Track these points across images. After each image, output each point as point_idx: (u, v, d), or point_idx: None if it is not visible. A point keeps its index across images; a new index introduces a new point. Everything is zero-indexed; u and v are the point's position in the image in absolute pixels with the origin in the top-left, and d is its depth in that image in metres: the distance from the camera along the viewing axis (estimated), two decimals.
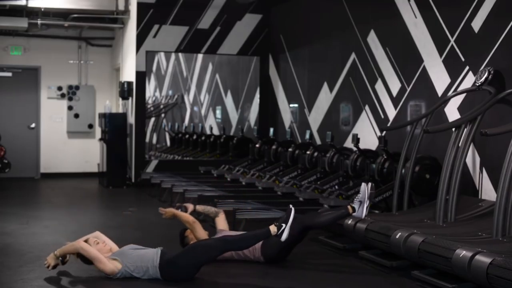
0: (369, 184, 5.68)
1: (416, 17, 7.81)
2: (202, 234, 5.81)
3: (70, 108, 13.35)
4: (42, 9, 11.92)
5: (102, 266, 5.14)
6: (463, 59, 7.05)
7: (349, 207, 5.69)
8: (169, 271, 5.12)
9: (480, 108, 6.25)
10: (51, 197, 10.77)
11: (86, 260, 5.25)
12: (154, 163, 11.66)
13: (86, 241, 5.33)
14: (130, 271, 5.15)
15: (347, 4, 9.36)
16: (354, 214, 5.69)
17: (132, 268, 5.15)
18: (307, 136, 9.38)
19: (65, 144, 13.40)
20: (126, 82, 11.67)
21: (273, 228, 5.19)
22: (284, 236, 5.16)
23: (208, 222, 6.44)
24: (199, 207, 6.33)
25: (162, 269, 5.12)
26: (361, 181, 7.66)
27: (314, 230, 6.37)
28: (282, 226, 5.16)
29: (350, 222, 6.13)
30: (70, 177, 13.05)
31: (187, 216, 5.92)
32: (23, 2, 11.50)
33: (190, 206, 6.24)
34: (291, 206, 5.29)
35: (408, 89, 7.98)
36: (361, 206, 5.65)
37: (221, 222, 6.21)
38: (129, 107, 11.88)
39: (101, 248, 5.27)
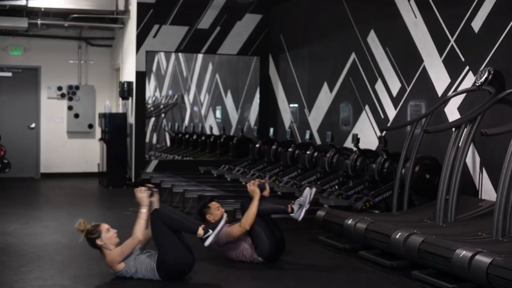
0: (313, 189, 5.83)
1: (416, 17, 7.82)
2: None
3: (70, 108, 13.35)
4: (42, 9, 11.92)
5: (119, 260, 5.10)
6: (463, 59, 7.05)
7: (289, 206, 5.79)
8: (164, 270, 5.11)
9: (480, 108, 6.25)
10: (51, 197, 10.77)
11: (92, 243, 5.21)
12: (154, 163, 11.66)
13: (97, 225, 5.27)
14: (131, 272, 5.15)
15: (347, 4, 9.36)
16: (291, 214, 5.78)
17: (133, 270, 5.15)
18: (307, 136, 9.38)
19: (65, 144, 13.40)
20: (126, 82, 11.67)
21: (200, 231, 5.11)
22: (207, 242, 5.10)
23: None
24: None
25: (159, 271, 5.12)
26: (361, 181, 7.70)
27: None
28: (209, 231, 5.11)
29: (350, 222, 6.14)
30: (70, 177, 13.05)
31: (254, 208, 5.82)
32: (23, 2, 11.50)
33: (267, 188, 6.07)
34: (224, 216, 5.32)
35: (408, 89, 7.98)
36: (300, 208, 5.77)
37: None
38: (129, 107, 11.88)
39: (111, 237, 5.22)
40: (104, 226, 5.25)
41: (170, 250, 5.07)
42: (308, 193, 5.78)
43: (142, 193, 5.22)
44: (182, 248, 5.13)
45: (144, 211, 5.15)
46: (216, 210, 5.90)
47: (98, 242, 5.18)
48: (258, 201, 5.81)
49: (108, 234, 5.21)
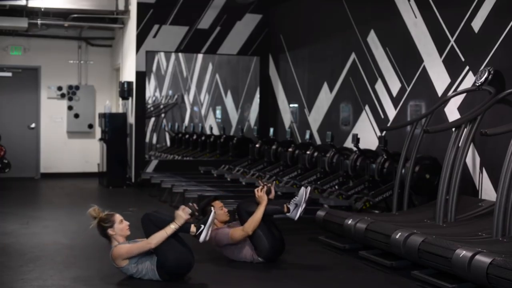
0: (308, 188, 5.82)
1: (416, 17, 7.82)
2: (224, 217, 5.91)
3: (70, 108, 13.35)
4: (42, 9, 11.92)
5: (125, 256, 5.09)
6: (463, 59, 7.05)
7: (285, 206, 5.79)
8: (164, 271, 5.11)
9: (480, 108, 6.25)
10: (51, 197, 10.77)
11: (103, 232, 5.20)
12: (154, 163, 11.66)
13: (111, 214, 5.26)
14: (132, 271, 5.15)
15: (347, 4, 9.36)
16: (288, 214, 5.78)
17: (134, 269, 5.14)
18: (307, 136, 9.38)
19: (65, 144, 13.40)
20: (126, 82, 11.67)
21: (193, 228, 5.12)
22: (202, 238, 5.10)
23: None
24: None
25: (159, 271, 5.11)
26: (361, 181, 7.70)
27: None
28: (201, 226, 5.12)
29: (350, 222, 6.14)
30: (70, 177, 13.05)
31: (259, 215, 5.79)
32: (23, 2, 11.50)
33: (273, 192, 6.03)
34: (213, 210, 5.30)
35: (408, 89, 7.98)
36: (296, 208, 5.76)
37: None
38: (129, 107, 11.88)
39: (123, 229, 5.22)
40: (118, 217, 5.24)
41: (168, 250, 5.07)
42: (304, 193, 5.77)
43: (183, 212, 5.14)
44: (180, 248, 5.12)
45: (173, 228, 5.08)
46: (219, 210, 5.91)
47: (110, 231, 5.17)
48: (265, 207, 5.77)
49: (121, 225, 5.20)
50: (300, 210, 5.75)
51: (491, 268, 4.47)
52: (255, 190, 5.92)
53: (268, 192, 5.92)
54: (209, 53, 11.97)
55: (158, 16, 11.42)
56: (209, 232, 5.17)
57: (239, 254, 5.81)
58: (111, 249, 5.17)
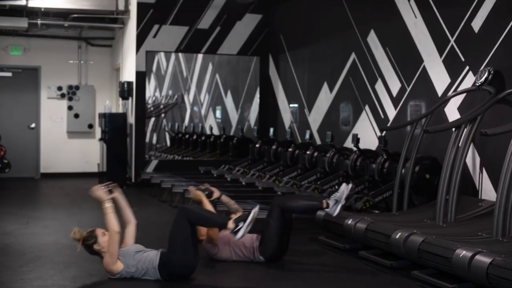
0: (350, 185, 5.77)
1: (416, 17, 7.82)
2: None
3: (70, 108, 13.36)
4: (42, 9, 11.92)
5: (111, 262, 5.08)
6: (463, 59, 7.05)
7: (324, 201, 5.74)
8: (166, 270, 5.11)
9: (480, 108, 6.25)
10: (51, 197, 10.77)
11: (90, 250, 5.20)
12: (154, 163, 11.66)
13: (93, 230, 5.26)
14: (130, 272, 5.14)
15: (347, 4, 9.36)
16: (327, 209, 5.74)
17: (132, 269, 5.14)
18: (307, 136, 9.38)
19: (65, 144, 13.40)
20: (126, 82, 11.67)
21: (230, 224, 5.11)
22: (239, 235, 5.08)
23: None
24: (225, 198, 6.27)
25: (161, 270, 5.11)
26: (361, 181, 7.70)
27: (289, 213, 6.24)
28: (239, 224, 5.09)
29: (350, 222, 6.13)
30: (70, 177, 13.05)
31: (210, 208, 5.90)
32: (23, 2, 11.50)
33: (217, 193, 6.15)
34: (255, 209, 5.24)
35: (408, 89, 7.98)
36: (335, 204, 5.71)
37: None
38: (129, 107, 11.88)
39: (107, 240, 5.23)
40: (99, 231, 5.24)
41: (180, 251, 5.06)
42: (345, 189, 5.71)
43: (99, 191, 5.18)
44: (192, 253, 5.11)
45: (108, 205, 5.12)
46: (202, 230, 5.86)
47: (96, 247, 5.17)
48: (207, 201, 5.94)
49: (104, 238, 5.19)
50: (340, 206, 5.69)
51: (491, 268, 4.47)
52: (190, 192, 6.04)
53: (209, 195, 6.03)
54: (209, 53, 11.97)
55: (158, 16, 11.42)
56: (247, 230, 5.12)
57: (233, 253, 5.77)
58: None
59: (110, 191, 5.29)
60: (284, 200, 6.01)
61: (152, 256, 5.18)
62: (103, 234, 5.20)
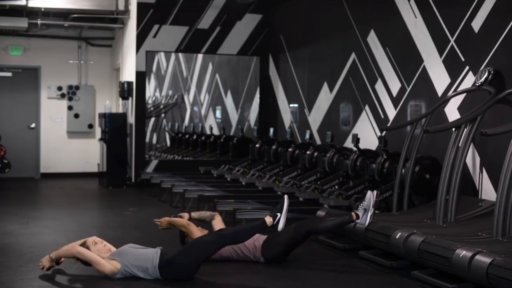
0: (375, 192, 5.72)
1: (416, 17, 7.82)
2: (199, 234, 5.83)
3: (70, 108, 13.36)
4: (42, 9, 11.92)
5: (100, 268, 5.13)
6: (463, 59, 7.05)
7: (353, 214, 5.72)
8: (168, 270, 5.12)
9: (480, 108, 6.25)
10: (51, 197, 10.77)
11: (85, 262, 5.25)
12: (154, 163, 11.66)
13: (83, 243, 5.32)
14: (129, 270, 5.14)
15: (347, 4, 9.36)
16: (358, 221, 5.73)
17: (131, 268, 5.14)
18: (307, 136, 9.38)
19: (65, 144, 13.40)
20: (126, 82, 11.67)
21: (268, 219, 5.21)
22: (280, 225, 5.20)
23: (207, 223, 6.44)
24: (194, 214, 6.31)
25: (162, 269, 5.11)
26: (361, 181, 7.70)
27: (317, 235, 6.46)
28: (277, 215, 5.19)
29: None
30: (70, 177, 13.05)
31: (180, 221, 6.00)
32: (23, 2, 11.50)
33: (185, 215, 6.23)
34: (285, 195, 5.37)
35: (408, 89, 7.98)
36: (365, 213, 5.69)
37: (218, 224, 6.20)
38: (129, 107, 11.88)
39: (100, 249, 5.26)
40: (90, 241, 5.28)
41: (189, 257, 5.10)
42: (371, 196, 5.68)
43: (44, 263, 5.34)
44: (197, 259, 5.15)
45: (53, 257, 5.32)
46: (191, 234, 5.94)
47: None
48: (175, 219, 6.05)
49: (96, 247, 5.24)
50: (369, 214, 5.66)
51: (491, 268, 4.47)
52: (157, 222, 6.14)
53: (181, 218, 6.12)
54: (209, 53, 11.97)
55: (158, 16, 11.42)
56: (286, 218, 5.23)
57: (233, 253, 5.78)
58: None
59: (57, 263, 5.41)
60: (314, 223, 5.93)
61: (151, 254, 5.18)
62: (94, 244, 5.25)
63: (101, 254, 5.22)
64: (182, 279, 5.16)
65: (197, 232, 5.86)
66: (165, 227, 6.13)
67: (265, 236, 5.83)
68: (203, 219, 6.34)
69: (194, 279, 5.20)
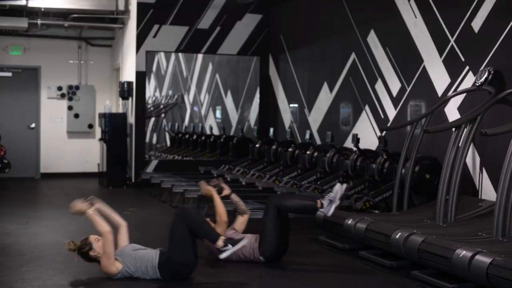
0: (344, 185, 5.77)
1: (416, 17, 7.82)
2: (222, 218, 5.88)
3: (70, 108, 13.36)
4: (42, 9, 11.92)
5: (108, 264, 5.10)
6: (463, 59, 7.05)
7: (318, 201, 5.76)
8: (167, 269, 5.11)
9: (480, 108, 6.25)
10: (51, 197, 10.77)
11: (87, 257, 5.23)
12: (154, 163, 11.66)
13: (86, 239, 5.30)
14: (130, 271, 5.15)
15: (347, 4, 9.36)
16: (321, 210, 5.75)
17: (132, 268, 5.14)
18: (307, 136, 9.38)
19: (65, 144, 13.40)
20: (126, 82, 11.67)
21: (220, 242, 5.17)
22: (223, 256, 5.19)
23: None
24: (235, 196, 6.23)
25: (161, 269, 5.11)
26: (361, 181, 7.70)
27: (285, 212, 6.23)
28: (228, 245, 5.19)
29: (350, 222, 6.13)
30: (70, 177, 13.05)
31: (218, 201, 5.92)
32: (23, 2, 11.50)
33: (227, 190, 6.15)
34: (245, 238, 5.47)
35: (408, 89, 7.98)
36: (330, 204, 5.72)
37: (240, 222, 6.17)
38: (129, 107, 11.88)
39: (102, 245, 5.25)
40: (93, 237, 5.27)
41: (180, 250, 5.08)
42: (339, 189, 5.71)
43: (78, 205, 5.25)
44: (191, 252, 5.13)
45: (90, 211, 5.21)
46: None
47: (92, 253, 5.20)
48: (218, 197, 5.94)
49: (99, 243, 5.21)
50: (334, 206, 5.69)
51: (491, 268, 4.47)
52: (200, 183, 6.03)
53: (220, 191, 6.03)
54: (209, 53, 11.97)
55: (158, 16, 11.42)
56: (231, 254, 5.23)
57: (240, 255, 5.79)
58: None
59: (91, 204, 5.32)
60: (279, 198, 6.02)
61: (151, 254, 5.18)
62: (97, 240, 5.24)
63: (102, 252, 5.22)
64: (184, 274, 5.17)
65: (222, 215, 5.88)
66: (205, 195, 6.05)
67: (258, 235, 5.84)
68: (237, 206, 6.24)
69: (194, 279, 5.20)
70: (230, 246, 5.18)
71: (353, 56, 9.17)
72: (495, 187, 6.17)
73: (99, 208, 5.41)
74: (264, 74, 11.99)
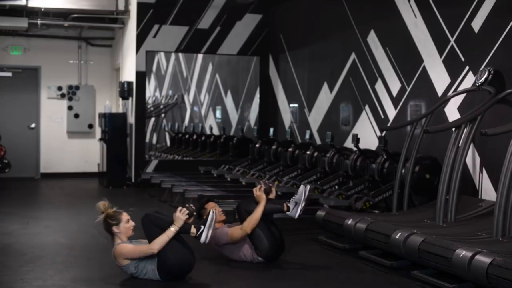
0: (307, 186, 5.81)
1: (416, 17, 7.82)
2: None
3: (70, 108, 13.35)
4: (42, 9, 11.92)
5: (125, 256, 5.07)
6: (463, 59, 7.05)
7: (285, 204, 5.80)
8: (165, 270, 5.10)
9: (480, 108, 6.25)
10: (51, 197, 10.77)
11: (107, 227, 5.17)
12: (154, 163, 11.66)
13: (120, 213, 5.22)
14: (132, 270, 5.14)
15: (347, 4, 9.36)
16: (288, 212, 5.79)
17: (134, 269, 5.14)
18: (307, 136, 9.38)
19: (65, 144, 13.40)
20: (126, 82, 11.67)
21: (192, 229, 5.13)
22: (203, 238, 5.12)
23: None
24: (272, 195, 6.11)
25: (160, 271, 5.11)
26: (361, 181, 7.70)
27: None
28: (201, 227, 5.13)
29: (350, 222, 6.14)
30: (70, 177, 13.05)
31: (258, 216, 5.76)
32: (23, 2, 11.50)
33: (273, 194, 6.05)
34: (212, 209, 5.32)
35: (408, 89, 7.98)
36: (295, 206, 5.77)
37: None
38: (129, 107, 11.88)
39: (128, 229, 5.20)
40: (125, 216, 5.23)
41: (169, 250, 5.06)
42: (303, 191, 5.78)
43: (181, 214, 5.12)
44: (181, 248, 5.12)
45: (173, 230, 5.07)
46: (209, 206, 5.90)
47: (115, 229, 5.16)
48: (264, 206, 5.77)
49: (127, 225, 5.19)
50: (299, 208, 5.75)
51: (491, 268, 4.47)
52: (254, 189, 5.93)
53: (267, 192, 5.93)
54: (209, 53, 11.97)
55: (158, 16, 11.42)
56: (210, 232, 5.16)
57: (238, 253, 5.81)
58: (113, 247, 5.16)
59: (189, 217, 5.19)
60: (246, 203, 5.93)
61: (151, 258, 5.16)
62: (127, 221, 5.21)
63: (127, 233, 5.19)
64: (183, 273, 5.17)
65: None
66: (257, 198, 5.84)
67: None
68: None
69: (192, 278, 5.21)
70: (202, 226, 5.13)
71: (353, 56, 9.17)
72: (495, 187, 6.17)
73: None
74: (264, 74, 11.99)
